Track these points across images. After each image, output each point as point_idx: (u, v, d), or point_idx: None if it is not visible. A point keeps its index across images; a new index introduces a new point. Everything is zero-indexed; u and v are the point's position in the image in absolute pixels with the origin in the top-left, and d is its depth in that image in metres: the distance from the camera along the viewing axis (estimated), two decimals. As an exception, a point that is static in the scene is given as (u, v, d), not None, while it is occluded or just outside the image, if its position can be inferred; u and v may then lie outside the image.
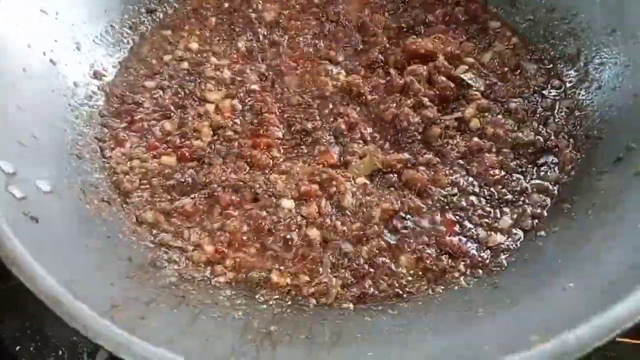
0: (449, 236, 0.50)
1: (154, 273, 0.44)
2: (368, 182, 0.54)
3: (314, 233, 0.50)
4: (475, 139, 0.56)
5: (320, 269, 0.48)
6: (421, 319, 0.42)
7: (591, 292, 0.37)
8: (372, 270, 0.48)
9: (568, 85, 0.60)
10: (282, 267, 0.48)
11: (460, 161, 0.55)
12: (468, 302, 0.43)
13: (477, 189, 0.53)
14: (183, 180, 0.53)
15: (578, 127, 0.56)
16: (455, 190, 0.53)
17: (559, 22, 0.63)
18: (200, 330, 0.38)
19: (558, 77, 0.62)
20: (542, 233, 0.48)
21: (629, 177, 0.47)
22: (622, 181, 0.47)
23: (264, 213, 0.51)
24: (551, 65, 0.63)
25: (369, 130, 0.58)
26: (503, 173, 0.54)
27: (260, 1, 0.72)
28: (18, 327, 0.54)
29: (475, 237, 0.50)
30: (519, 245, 0.49)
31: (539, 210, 0.51)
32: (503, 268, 0.47)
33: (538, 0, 0.65)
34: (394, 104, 0.59)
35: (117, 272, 0.41)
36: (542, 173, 0.54)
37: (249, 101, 0.60)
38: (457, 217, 0.51)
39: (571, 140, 0.56)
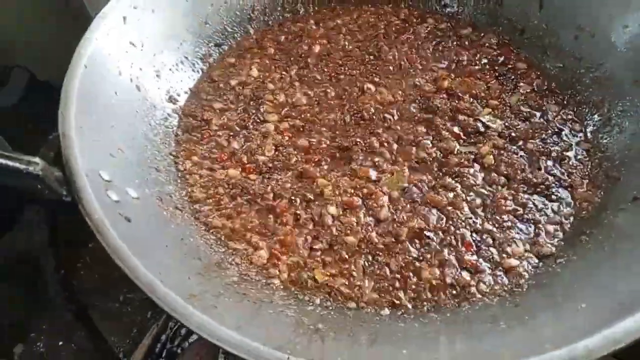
0: (468, 255, 0.56)
1: (220, 272, 0.51)
2: (401, 197, 0.61)
3: (351, 240, 0.57)
4: (490, 173, 0.62)
5: (354, 273, 0.54)
6: (449, 328, 0.48)
7: (601, 312, 0.42)
8: (400, 279, 0.54)
9: (592, 129, 0.66)
10: (324, 269, 0.55)
11: (476, 189, 0.61)
12: (491, 316, 0.48)
13: (489, 216, 0.59)
14: (246, 190, 0.61)
15: (598, 168, 0.61)
16: (471, 214, 0.59)
17: (585, 71, 0.69)
18: (260, 323, 0.44)
19: (579, 121, 0.67)
20: (561, 260, 0.54)
21: (644, 215, 0.52)
22: (637, 219, 0.52)
23: (313, 220, 0.58)
24: (574, 110, 0.68)
25: (395, 149, 0.65)
26: (514, 206, 0.60)
27: (311, 36, 0.81)
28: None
29: (490, 258, 0.56)
30: (537, 270, 0.55)
31: (553, 241, 0.57)
32: (524, 289, 0.52)
33: (567, 50, 0.71)
34: (412, 133, 0.66)
35: (191, 269, 0.49)
36: (555, 208, 0.60)
37: (301, 121, 0.68)
38: (473, 238, 0.57)
39: (585, 180, 0.61)
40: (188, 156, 0.64)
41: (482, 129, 0.67)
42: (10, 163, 0.43)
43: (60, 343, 0.59)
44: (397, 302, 0.53)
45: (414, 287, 0.54)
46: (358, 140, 0.66)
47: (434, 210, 0.60)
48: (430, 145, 0.66)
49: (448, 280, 0.54)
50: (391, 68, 0.76)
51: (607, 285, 0.46)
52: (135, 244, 0.44)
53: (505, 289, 0.53)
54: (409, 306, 0.52)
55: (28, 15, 0.75)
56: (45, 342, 0.59)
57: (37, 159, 0.45)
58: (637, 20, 0.63)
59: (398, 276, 0.55)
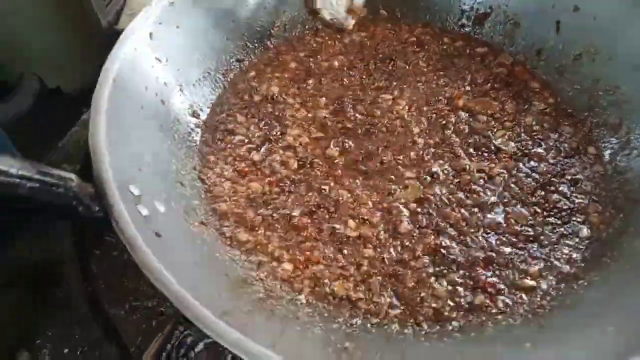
0: (483, 274, 0.56)
1: (246, 289, 0.51)
2: (418, 210, 0.61)
3: (369, 253, 0.58)
4: (502, 193, 0.63)
5: (372, 287, 0.55)
6: (474, 348, 0.49)
7: (628, 336, 0.43)
8: (416, 296, 0.55)
9: (609, 152, 0.67)
10: (344, 282, 0.55)
11: (489, 207, 0.62)
12: (516, 337, 0.49)
13: (503, 235, 0.60)
14: (268, 203, 0.62)
15: (617, 191, 0.62)
16: (484, 233, 0.60)
17: (603, 93, 0.69)
18: (289, 341, 0.45)
19: (595, 143, 0.68)
20: (583, 282, 0.54)
21: (665, 239, 0.53)
22: (658, 243, 0.53)
23: (333, 233, 0.59)
24: (590, 132, 0.70)
25: (409, 164, 0.66)
26: (527, 227, 0.60)
27: (329, 52, 0.82)
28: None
29: (506, 277, 0.56)
30: (560, 291, 0.55)
31: (571, 263, 0.57)
32: (546, 310, 0.53)
33: (584, 71, 0.72)
34: (426, 149, 0.68)
35: (220, 285, 0.49)
36: (570, 230, 0.60)
37: (321, 135, 0.70)
38: (488, 256, 0.58)
39: (602, 203, 0.62)
40: (211, 169, 0.65)
41: (495, 150, 0.68)
42: (46, 179, 0.44)
43: (66, 351, 0.59)
44: (419, 319, 0.53)
45: (431, 303, 0.54)
46: (376, 154, 0.67)
47: (449, 227, 0.60)
48: (443, 161, 0.67)
49: (462, 300, 0.54)
50: (406, 85, 0.77)
51: (630, 308, 0.46)
52: (166, 260, 0.44)
53: (527, 308, 0.54)
54: (430, 324, 0.53)
55: (39, 23, 0.75)
56: (50, 350, 0.59)
57: (72, 175, 0.45)
58: (655, 44, 0.65)
59: (414, 292, 0.55)
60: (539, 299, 0.55)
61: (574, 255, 0.58)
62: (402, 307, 0.54)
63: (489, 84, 0.77)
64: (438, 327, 0.53)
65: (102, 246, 0.64)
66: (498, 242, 0.59)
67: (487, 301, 0.54)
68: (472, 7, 0.84)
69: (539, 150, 0.68)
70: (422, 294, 0.55)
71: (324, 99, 0.75)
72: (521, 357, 0.46)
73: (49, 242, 0.65)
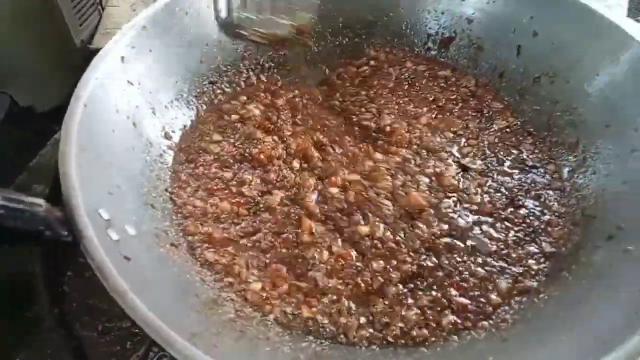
0: (454, 296, 0.58)
1: (217, 309, 0.52)
2: (391, 236, 0.62)
3: (339, 274, 0.58)
4: (478, 213, 0.66)
5: (340, 310, 0.56)
6: (440, 364, 0.50)
7: (583, 347, 0.45)
8: (385, 319, 0.55)
9: (568, 169, 0.70)
10: (311, 303, 0.56)
11: (463, 228, 0.64)
12: (479, 351, 0.51)
13: (476, 255, 0.61)
14: (235, 224, 0.63)
15: (575, 207, 0.65)
16: (460, 256, 0.61)
17: (561, 114, 0.73)
18: (259, 361, 0.46)
19: (554, 161, 0.72)
20: (544, 295, 0.56)
21: (619, 253, 0.55)
22: (613, 256, 0.55)
23: (302, 254, 0.60)
24: (550, 150, 0.73)
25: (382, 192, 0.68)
26: (499, 244, 0.62)
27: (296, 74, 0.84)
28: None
29: (475, 297, 0.58)
30: (522, 305, 0.57)
31: (535, 278, 0.59)
32: (509, 324, 0.55)
33: (543, 93, 0.76)
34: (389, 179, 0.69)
35: (190, 306, 0.50)
36: (536, 245, 0.63)
37: (295, 157, 0.71)
38: (462, 278, 0.59)
39: (562, 218, 0.65)
40: (182, 189, 0.66)
41: (463, 170, 0.70)
42: (13, 205, 0.44)
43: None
44: (388, 339, 0.54)
45: (400, 324, 0.55)
46: (341, 173, 0.69)
47: (423, 250, 0.61)
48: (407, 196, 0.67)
49: (432, 321, 0.56)
50: (373, 103, 0.79)
51: (586, 321, 0.49)
52: (135, 283, 0.45)
53: (492, 322, 0.56)
54: (400, 343, 0.54)
55: (12, 41, 0.75)
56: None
57: (40, 201, 0.46)
58: (607, 69, 0.68)
59: (383, 315, 0.56)
60: (503, 313, 0.57)
61: (537, 270, 0.60)
62: (370, 330, 0.55)
63: (452, 104, 0.80)
64: (407, 345, 0.54)
65: (74, 267, 0.64)
66: (473, 263, 0.61)
67: (457, 320, 0.56)
68: (438, 32, 0.87)
69: (504, 167, 0.71)
70: (392, 316, 0.56)
71: (296, 116, 0.76)
72: (484, 371, 0.47)
73: (17, 263, 0.64)
